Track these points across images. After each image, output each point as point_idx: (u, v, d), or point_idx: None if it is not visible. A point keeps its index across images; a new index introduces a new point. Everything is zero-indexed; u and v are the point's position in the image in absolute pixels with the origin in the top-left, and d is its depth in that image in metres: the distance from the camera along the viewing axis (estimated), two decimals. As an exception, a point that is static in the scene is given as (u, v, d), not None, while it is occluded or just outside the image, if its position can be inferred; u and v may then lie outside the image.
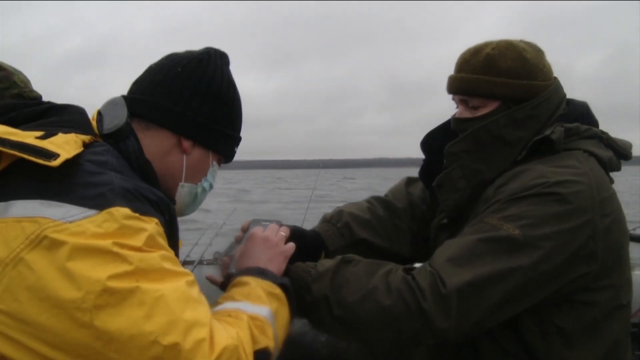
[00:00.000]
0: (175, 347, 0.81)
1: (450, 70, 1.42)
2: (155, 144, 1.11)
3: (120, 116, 1.05)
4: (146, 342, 0.79)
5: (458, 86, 1.37)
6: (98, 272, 0.79)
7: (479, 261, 1.12)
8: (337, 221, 1.54)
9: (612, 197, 1.24)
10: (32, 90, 1.95)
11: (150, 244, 0.87)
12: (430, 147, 1.48)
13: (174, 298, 0.84)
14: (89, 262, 0.79)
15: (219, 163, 1.25)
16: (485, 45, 1.35)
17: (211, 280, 1.27)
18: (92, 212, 0.83)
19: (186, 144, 1.13)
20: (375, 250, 1.51)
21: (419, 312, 1.09)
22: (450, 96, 1.42)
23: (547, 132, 1.27)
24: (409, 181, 1.71)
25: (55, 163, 0.85)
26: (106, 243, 0.81)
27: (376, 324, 1.15)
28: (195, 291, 0.91)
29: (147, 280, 0.83)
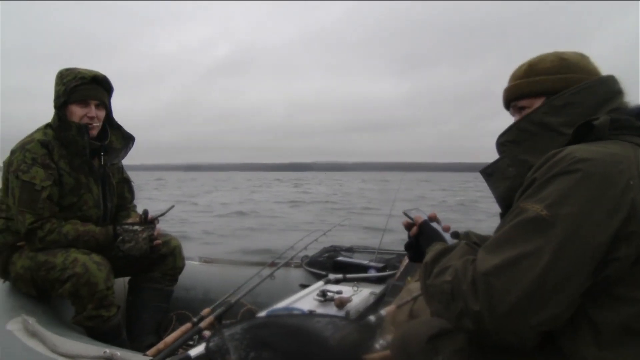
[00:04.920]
0: None
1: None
2: None
3: None
4: None
5: (506, 96, 1.50)
6: None
7: (509, 245, 1.12)
8: (464, 239, 1.63)
9: None
10: None
11: None
12: None
13: None
14: None
15: None
16: (532, 58, 1.46)
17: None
18: None
19: None
20: None
21: (460, 293, 1.15)
22: None
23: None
24: None
25: None
26: None
27: (438, 296, 1.23)
28: None
29: None
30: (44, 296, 2.48)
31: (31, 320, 2.03)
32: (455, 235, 1.58)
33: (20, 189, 2.35)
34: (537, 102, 1.39)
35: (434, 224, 1.56)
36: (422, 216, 1.57)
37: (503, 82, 1.52)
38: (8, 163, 2.44)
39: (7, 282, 2.56)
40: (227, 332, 1.51)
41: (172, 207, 2.75)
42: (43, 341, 1.87)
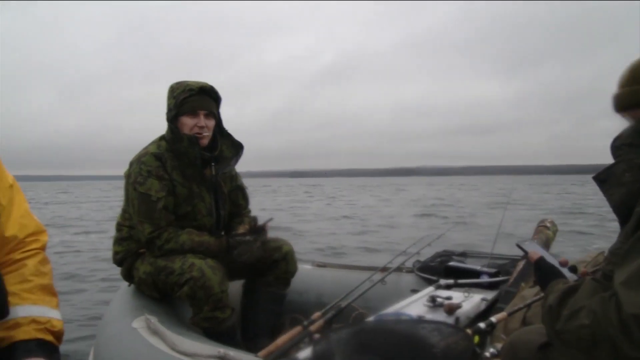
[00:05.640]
0: None
1: None
2: None
3: None
4: None
5: (613, 104, 1.37)
6: None
7: None
8: None
9: None
10: None
11: None
12: None
13: None
14: None
15: None
16: (635, 61, 1.32)
17: None
18: None
19: None
20: None
21: (606, 338, 1.06)
22: None
23: None
24: None
25: None
26: None
27: (575, 343, 1.14)
28: None
29: None
30: (165, 298, 2.64)
31: (153, 320, 2.18)
32: (573, 269, 1.48)
33: (139, 200, 2.52)
34: None
35: (550, 258, 1.47)
36: (537, 252, 1.47)
37: (617, 79, 1.41)
38: (128, 175, 2.62)
39: (133, 285, 2.77)
40: (334, 337, 1.53)
41: (271, 219, 2.82)
42: (163, 339, 1.99)
